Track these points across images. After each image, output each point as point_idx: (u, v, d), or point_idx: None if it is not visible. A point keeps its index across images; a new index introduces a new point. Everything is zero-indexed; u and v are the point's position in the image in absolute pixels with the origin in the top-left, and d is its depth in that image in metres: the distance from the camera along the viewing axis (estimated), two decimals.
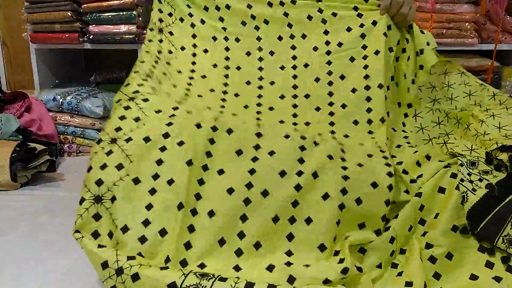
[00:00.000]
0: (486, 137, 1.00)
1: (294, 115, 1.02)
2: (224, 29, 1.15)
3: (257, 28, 1.14)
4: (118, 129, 0.85)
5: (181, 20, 1.16)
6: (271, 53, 1.12)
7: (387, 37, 1.04)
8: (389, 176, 0.86)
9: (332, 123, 1.00)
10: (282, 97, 1.06)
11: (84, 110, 1.60)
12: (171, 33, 1.15)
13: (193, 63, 1.11)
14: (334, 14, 1.09)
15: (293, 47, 1.12)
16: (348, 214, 0.83)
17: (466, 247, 0.83)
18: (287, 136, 0.89)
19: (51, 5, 1.74)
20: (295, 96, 1.06)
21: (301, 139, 0.89)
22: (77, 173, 1.44)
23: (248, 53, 1.13)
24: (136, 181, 0.81)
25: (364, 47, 1.05)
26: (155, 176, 0.82)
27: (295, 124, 0.99)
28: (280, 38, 1.13)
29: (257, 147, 0.87)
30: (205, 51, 1.13)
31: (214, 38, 1.14)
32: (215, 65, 1.11)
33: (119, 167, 0.81)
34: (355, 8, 1.08)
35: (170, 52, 1.11)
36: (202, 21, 1.16)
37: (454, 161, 0.91)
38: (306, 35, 1.12)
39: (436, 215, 0.87)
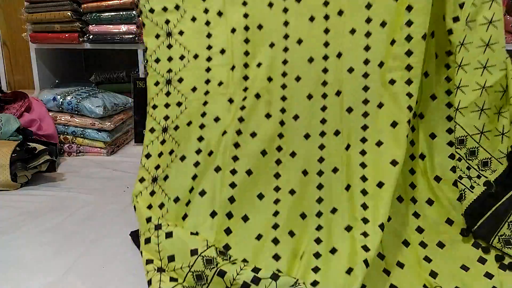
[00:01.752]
0: None
1: (323, 121, 0.94)
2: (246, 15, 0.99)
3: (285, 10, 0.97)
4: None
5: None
6: (299, 41, 0.96)
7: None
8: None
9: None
10: (309, 97, 0.94)
11: (84, 110, 1.60)
12: (181, 33, 1.01)
13: (207, 69, 1.00)
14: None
15: (326, 31, 0.94)
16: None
17: (459, 241, 0.83)
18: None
19: (51, 5, 1.75)
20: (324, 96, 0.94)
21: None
22: (77, 173, 1.44)
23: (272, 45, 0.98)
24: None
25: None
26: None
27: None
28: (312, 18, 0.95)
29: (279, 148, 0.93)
30: (222, 51, 0.99)
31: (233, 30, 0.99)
32: (233, 67, 0.99)
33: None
34: None
35: (181, 57, 1.01)
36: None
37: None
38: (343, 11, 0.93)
39: (431, 204, 0.88)
